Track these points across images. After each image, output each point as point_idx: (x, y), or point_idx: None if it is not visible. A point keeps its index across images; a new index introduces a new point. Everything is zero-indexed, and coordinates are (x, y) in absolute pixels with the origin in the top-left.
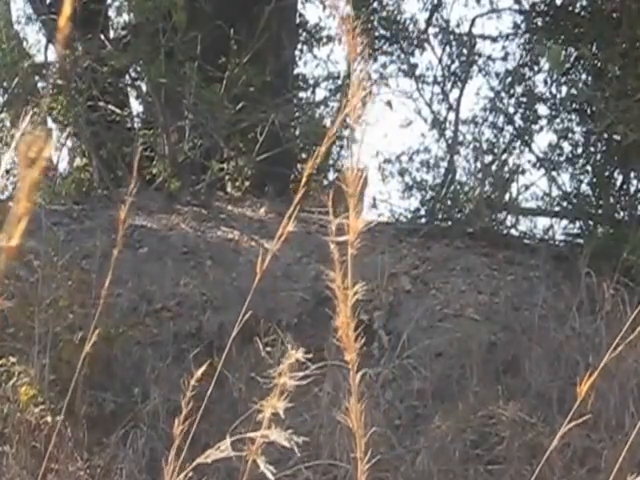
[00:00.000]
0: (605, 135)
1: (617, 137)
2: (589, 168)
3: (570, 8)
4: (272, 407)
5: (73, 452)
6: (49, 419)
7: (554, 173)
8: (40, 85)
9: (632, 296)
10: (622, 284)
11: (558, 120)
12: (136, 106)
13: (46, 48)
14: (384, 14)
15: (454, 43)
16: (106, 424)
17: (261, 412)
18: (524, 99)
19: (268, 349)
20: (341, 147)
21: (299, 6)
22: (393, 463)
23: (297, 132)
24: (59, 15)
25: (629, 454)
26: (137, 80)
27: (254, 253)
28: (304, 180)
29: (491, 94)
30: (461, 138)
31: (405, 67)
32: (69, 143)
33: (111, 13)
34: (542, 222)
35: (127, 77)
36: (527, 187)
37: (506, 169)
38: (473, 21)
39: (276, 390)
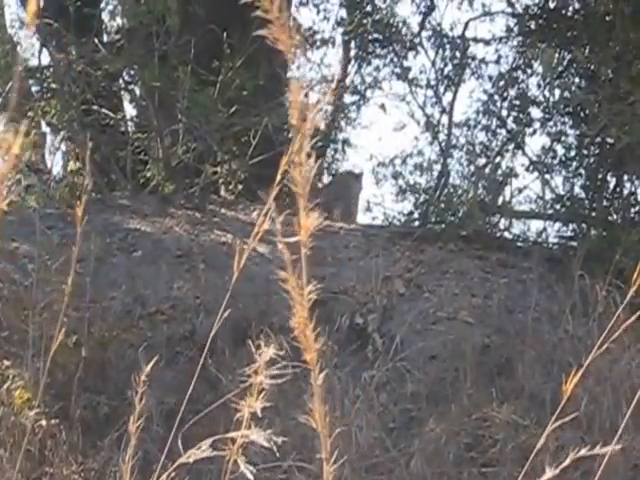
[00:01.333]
0: (598, 138)
1: (610, 140)
2: (582, 171)
3: (563, 11)
4: (249, 406)
5: (68, 455)
6: (44, 423)
7: (547, 176)
8: (34, 89)
9: (625, 298)
10: (615, 286)
11: (551, 123)
12: (130, 110)
13: (40, 52)
14: (377, 17)
15: (447, 46)
16: (100, 427)
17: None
18: (517, 102)
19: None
20: (335, 150)
21: (292, 9)
22: (387, 466)
23: (290, 135)
24: (51, 19)
25: (623, 457)
26: (131, 84)
27: (247, 256)
28: (278, 177)
29: (484, 97)
30: (454, 141)
31: (398, 70)
32: (63, 147)
33: (105, 17)
34: (535, 225)
35: (121, 81)
36: (520, 190)
37: (499, 172)
38: (466, 24)
39: (253, 390)
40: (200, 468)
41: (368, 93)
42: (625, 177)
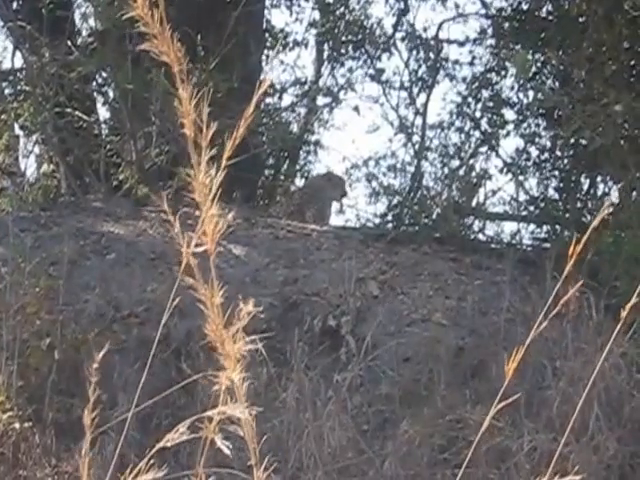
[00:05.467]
0: (572, 140)
1: (584, 142)
2: (556, 173)
3: (536, 13)
4: (228, 378)
5: (41, 458)
6: (17, 425)
7: (521, 178)
8: (7, 92)
9: (598, 299)
10: (589, 287)
11: (525, 125)
12: (103, 112)
13: (13, 54)
14: (350, 19)
15: (421, 48)
16: (74, 430)
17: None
18: (491, 104)
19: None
20: (308, 152)
21: (265, 11)
22: (361, 468)
23: (264, 138)
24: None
25: (597, 457)
26: (104, 86)
27: (222, 259)
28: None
29: (458, 99)
30: (428, 143)
31: (372, 72)
32: (36, 150)
33: (77, 19)
34: (509, 227)
35: (94, 83)
36: (494, 192)
37: (473, 174)
38: (440, 26)
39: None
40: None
41: (341, 95)
42: (599, 179)
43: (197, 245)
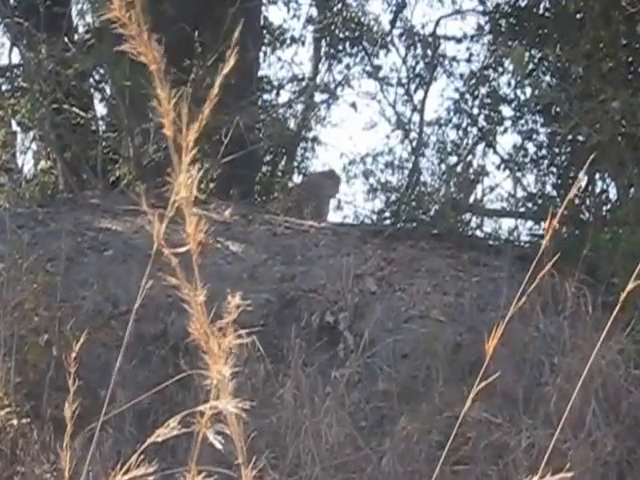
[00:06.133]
0: (569, 136)
1: (581, 138)
2: (553, 169)
3: (534, 9)
4: (218, 372)
5: (39, 455)
6: (15, 422)
7: (519, 174)
8: (4, 88)
9: (595, 296)
10: (586, 284)
11: (522, 121)
12: (100, 109)
13: (10, 51)
14: (348, 15)
15: (418, 44)
16: (72, 426)
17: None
18: (488, 100)
19: (234, 351)
20: (305, 149)
21: (263, 8)
22: (359, 464)
23: (262, 134)
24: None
25: (594, 453)
26: (101, 83)
27: (219, 255)
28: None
29: (455, 95)
30: (426, 139)
31: (369, 69)
32: (34, 146)
33: (74, 16)
34: (507, 223)
35: (91, 80)
36: (492, 188)
37: (471, 170)
38: (437, 22)
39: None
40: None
41: (338, 91)
42: (596, 175)
43: (180, 245)
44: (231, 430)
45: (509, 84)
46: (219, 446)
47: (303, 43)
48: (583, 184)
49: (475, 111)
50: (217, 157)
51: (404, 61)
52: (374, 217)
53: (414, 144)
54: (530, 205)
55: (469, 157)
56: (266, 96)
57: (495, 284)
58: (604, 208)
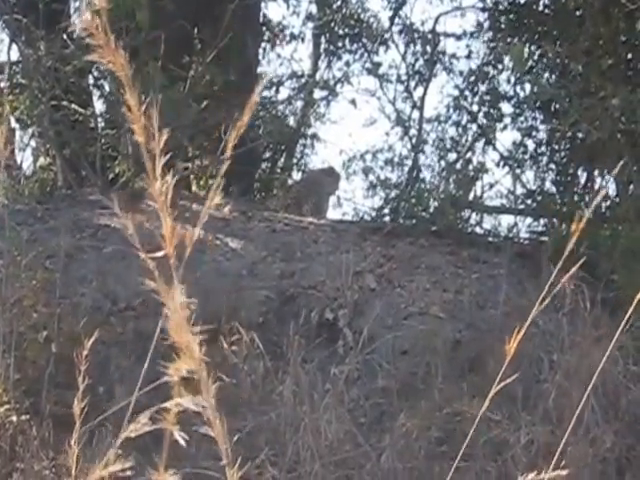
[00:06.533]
0: (569, 133)
1: (581, 135)
2: (553, 166)
3: (533, 6)
4: (176, 369)
5: (39, 451)
6: (14, 418)
7: (518, 171)
8: (3, 85)
9: (594, 293)
10: (585, 281)
11: (522, 118)
12: (99, 106)
13: (9, 47)
14: (347, 12)
15: (418, 41)
16: (71, 423)
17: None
18: (488, 97)
19: (233, 348)
20: (304, 146)
21: (262, 5)
22: (358, 461)
23: (261, 131)
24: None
25: (593, 450)
26: (100, 80)
27: (219, 252)
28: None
29: (455, 92)
30: (425, 136)
31: (369, 65)
32: (33, 143)
33: (73, 12)
34: (506, 220)
35: (90, 77)
36: (491, 185)
37: (470, 167)
38: (437, 19)
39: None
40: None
41: (338, 88)
42: (596, 172)
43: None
44: (214, 431)
45: (509, 81)
46: (183, 443)
47: (303, 40)
48: (582, 180)
49: (475, 108)
50: (217, 154)
51: (404, 58)
52: (373, 214)
53: (414, 141)
54: (529, 202)
55: (469, 154)
56: (265, 93)
57: (494, 281)
58: (603, 205)
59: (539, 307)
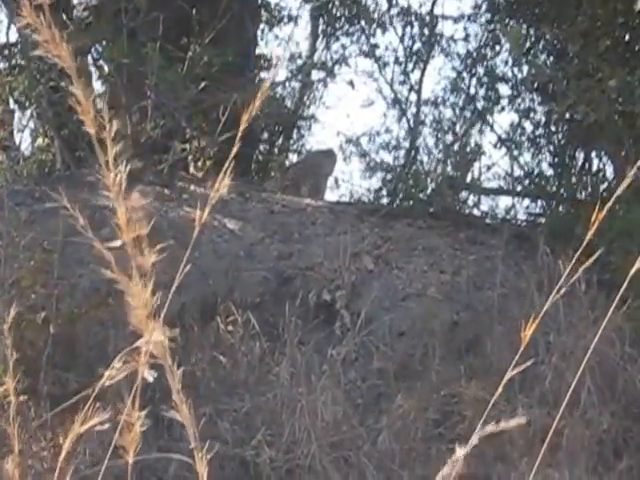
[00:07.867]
0: (567, 115)
1: (578, 117)
2: (551, 148)
3: None
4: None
5: (37, 432)
6: (12, 399)
7: (516, 153)
8: (1, 66)
9: (590, 274)
10: (581, 263)
11: (519, 100)
12: (98, 86)
13: (8, 28)
14: None
15: (416, 23)
16: (71, 404)
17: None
18: (485, 79)
19: (229, 328)
20: (302, 127)
21: None
22: (355, 442)
23: (259, 112)
24: None
25: (589, 431)
26: (99, 60)
27: (217, 233)
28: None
29: (453, 74)
30: (423, 118)
31: (366, 47)
32: (31, 124)
33: None
34: (504, 202)
35: (89, 57)
36: (489, 167)
37: (468, 149)
38: (434, 1)
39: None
40: None
41: (336, 69)
42: (593, 154)
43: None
44: (181, 415)
45: (506, 63)
46: (150, 379)
47: (295, 21)
48: (580, 162)
49: (472, 90)
50: (214, 135)
51: (401, 40)
52: (371, 195)
53: (411, 123)
54: (527, 183)
55: (466, 136)
56: (263, 74)
57: (492, 262)
58: (601, 187)
59: (554, 298)
